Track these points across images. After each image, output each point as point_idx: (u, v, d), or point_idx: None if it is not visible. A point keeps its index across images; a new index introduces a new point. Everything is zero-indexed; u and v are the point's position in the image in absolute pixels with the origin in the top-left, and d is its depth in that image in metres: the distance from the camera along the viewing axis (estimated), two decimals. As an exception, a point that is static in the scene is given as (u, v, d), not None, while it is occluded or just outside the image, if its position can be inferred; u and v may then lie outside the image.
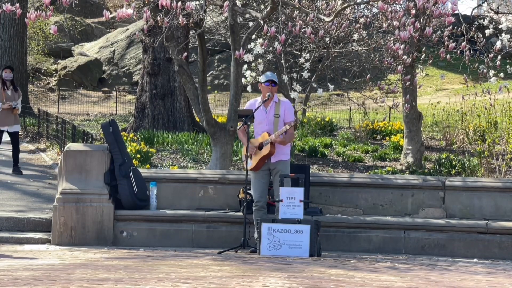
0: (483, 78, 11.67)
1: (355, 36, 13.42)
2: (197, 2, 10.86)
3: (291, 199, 9.01)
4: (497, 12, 16.82)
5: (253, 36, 12.74)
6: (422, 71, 16.67)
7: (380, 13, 12.91)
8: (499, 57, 10.98)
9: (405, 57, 10.41)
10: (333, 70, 18.12)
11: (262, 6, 14.52)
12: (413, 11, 10.91)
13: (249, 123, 9.45)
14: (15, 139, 14.47)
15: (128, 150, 13.20)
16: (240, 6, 11.83)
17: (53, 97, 31.97)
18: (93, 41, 38.04)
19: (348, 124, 22.80)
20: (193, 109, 15.96)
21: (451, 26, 10.76)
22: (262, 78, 9.59)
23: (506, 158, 14.45)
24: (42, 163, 17.05)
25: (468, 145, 17.99)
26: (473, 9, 18.20)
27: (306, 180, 9.80)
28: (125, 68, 35.29)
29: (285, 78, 12.47)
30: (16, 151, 14.52)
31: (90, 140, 17.93)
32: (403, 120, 16.93)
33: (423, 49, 14.51)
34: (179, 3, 9.48)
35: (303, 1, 11.57)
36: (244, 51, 10.21)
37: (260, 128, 9.48)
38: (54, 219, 9.86)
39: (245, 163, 9.48)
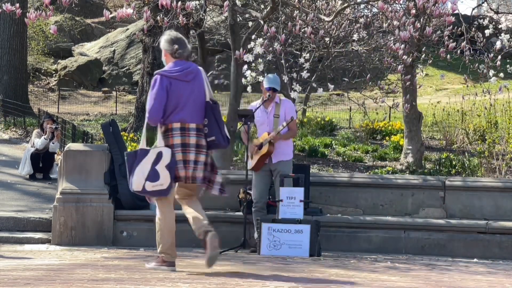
0: (483, 78, 11.68)
1: (355, 36, 13.42)
2: (197, 2, 10.86)
3: (291, 199, 9.01)
4: (497, 12, 16.81)
5: (253, 36, 12.74)
6: (422, 71, 16.68)
7: (380, 13, 12.91)
8: (499, 57, 10.98)
9: (405, 57, 10.41)
10: (333, 70, 18.12)
11: (262, 6, 14.53)
12: (413, 11, 10.91)
13: (249, 123, 9.43)
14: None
15: (128, 150, 13.19)
16: (240, 6, 11.83)
17: (53, 97, 31.97)
18: (93, 41, 38.02)
19: (348, 124, 22.79)
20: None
21: (451, 26, 10.77)
22: (264, 80, 9.52)
23: (506, 158, 14.45)
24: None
25: (468, 145, 17.99)
26: (473, 9, 18.23)
27: (306, 180, 9.79)
28: (125, 68, 35.29)
29: (285, 78, 12.46)
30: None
31: (90, 140, 17.95)
32: (403, 120, 16.94)
33: (423, 49, 14.52)
34: (179, 3, 9.49)
35: (303, 1, 11.57)
36: (244, 51, 10.21)
37: (262, 129, 9.48)
38: (54, 219, 9.85)
39: (246, 163, 9.48)
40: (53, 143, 14.65)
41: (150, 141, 7.05)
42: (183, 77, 6.79)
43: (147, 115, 6.76)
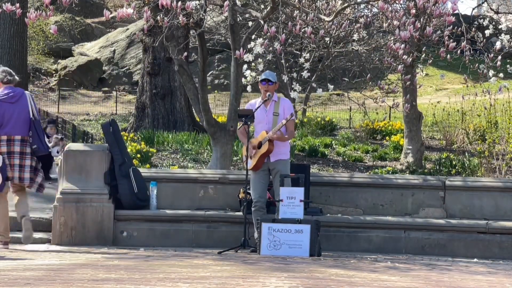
0: (483, 78, 11.68)
1: (355, 36, 13.43)
2: (197, 2, 10.85)
3: (291, 199, 9.00)
4: (497, 12, 16.82)
5: (253, 36, 12.75)
6: (422, 71, 16.69)
7: (380, 13, 12.91)
8: (499, 57, 10.98)
9: (405, 56, 10.40)
10: (333, 70, 18.15)
11: (262, 6, 14.54)
12: (413, 11, 10.91)
13: (249, 123, 9.43)
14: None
15: (128, 150, 13.19)
16: (240, 6, 11.83)
17: (53, 97, 31.98)
18: (93, 41, 38.04)
19: (348, 124, 22.81)
20: (193, 109, 15.96)
21: (451, 26, 10.76)
22: (260, 76, 9.59)
23: (506, 158, 14.46)
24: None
25: (468, 145, 17.99)
26: (473, 9, 18.24)
27: (306, 180, 9.79)
28: (125, 68, 35.30)
29: (285, 78, 12.47)
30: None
31: (90, 140, 17.95)
32: (403, 120, 16.95)
33: (423, 49, 14.53)
34: (179, 3, 9.48)
35: (303, 1, 11.57)
36: (244, 51, 10.21)
37: (260, 127, 9.46)
38: (54, 219, 9.85)
39: (246, 163, 9.47)
40: (57, 152, 14.65)
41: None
42: (9, 99, 8.92)
43: None
